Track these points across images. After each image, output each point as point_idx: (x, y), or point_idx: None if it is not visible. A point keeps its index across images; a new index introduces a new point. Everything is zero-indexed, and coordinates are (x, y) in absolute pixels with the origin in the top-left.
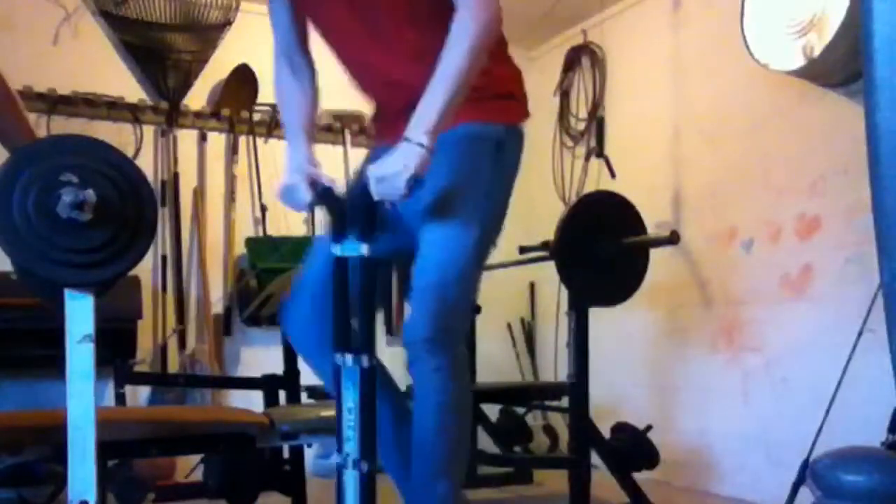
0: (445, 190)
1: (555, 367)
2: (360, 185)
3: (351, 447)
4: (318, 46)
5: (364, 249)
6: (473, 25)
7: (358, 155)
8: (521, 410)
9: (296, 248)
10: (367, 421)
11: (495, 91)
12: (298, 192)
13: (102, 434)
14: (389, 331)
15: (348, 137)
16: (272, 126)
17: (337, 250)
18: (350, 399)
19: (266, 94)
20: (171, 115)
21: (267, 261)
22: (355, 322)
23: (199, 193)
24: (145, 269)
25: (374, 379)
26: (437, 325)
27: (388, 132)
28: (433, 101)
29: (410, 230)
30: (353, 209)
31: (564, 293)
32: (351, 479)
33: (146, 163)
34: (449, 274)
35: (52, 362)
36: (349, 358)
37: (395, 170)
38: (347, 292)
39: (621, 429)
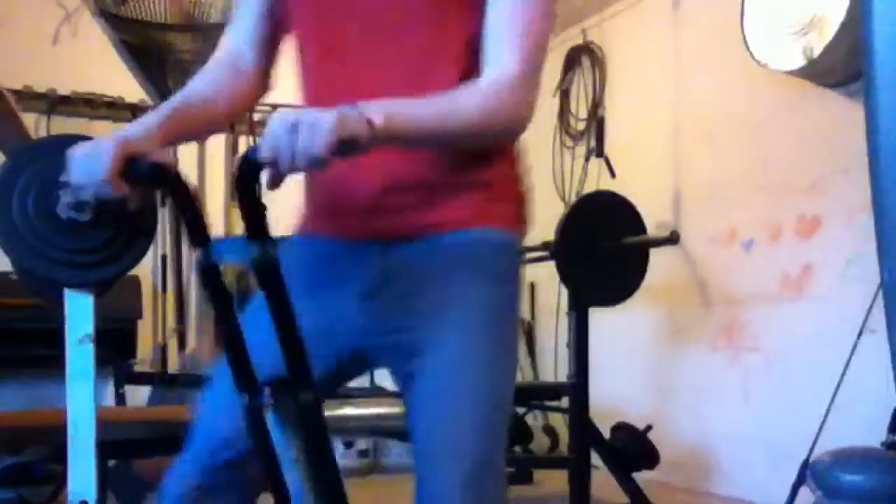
0: (479, 303)
1: (555, 367)
2: (243, 158)
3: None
4: None
5: (255, 250)
6: (504, 91)
7: None
8: (521, 410)
9: None
10: (331, 466)
11: (514, 193)
12: (97, 159)
13: (102, 434)
14: None
15: None
16: None
17: (200, 256)
18: (292, 449)
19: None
20: None
21: None
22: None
23: (199, 193)
24: (145, 269)
25: (321, 415)
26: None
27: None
28: (408, 102)
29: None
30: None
31: (564, 293)
32: None
33: None
34: (491, 422)
35: (52, 362)
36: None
37: (326, 116)
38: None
39: (621, 429)
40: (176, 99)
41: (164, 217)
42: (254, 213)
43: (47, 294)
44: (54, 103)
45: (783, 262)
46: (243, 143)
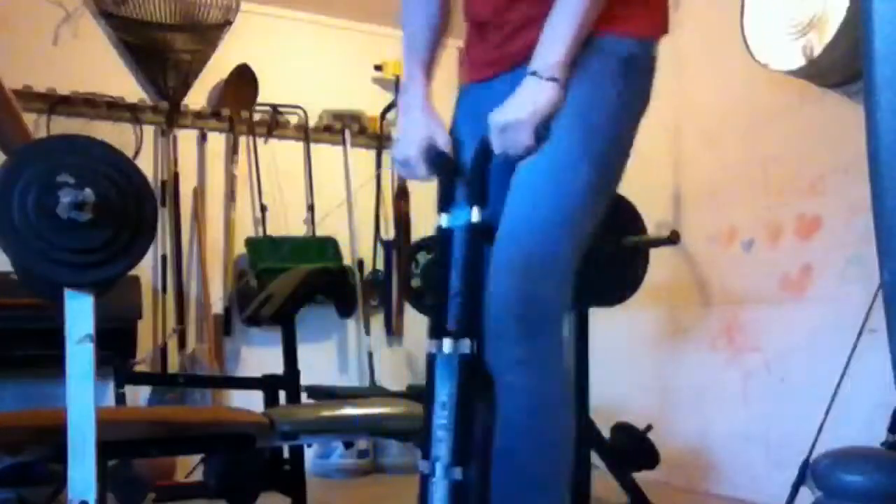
0: (567, 108)
1: None
2: (480, 143)
3: (442, 451)
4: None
5: (474, 214)
6: None
7: (358, 155)
8: None
9: (296, 248)
10: (464, 420)
11: None
12: (414, 168)
13: (102, 434)
14: (389, 330)
15: (348, 137)
16: (272, 126)
17: (443, 221)
18: (444, 392)
19: (266, 94)
20: (171, 115)
21: (267, 261)
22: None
23: (199, 193)
24: (145, 269)
25: (475, 370)
26: (526, 295)
27: (491, 59)
28: (561, 23)
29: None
30: (471, 173)
31: None
32: (441, 489)
33: (146, 163)
34: (546, 221)
35: (52, 362)
36: (446, 343)
37: (521, 115)
38: (448, 268)
39: (621, 429)
40: (413, 21)
41: (164, 217)
42: (483, 188)
43: (47, 294)
44: (54, 103)
45: (783, 262)
46: (243, 143)
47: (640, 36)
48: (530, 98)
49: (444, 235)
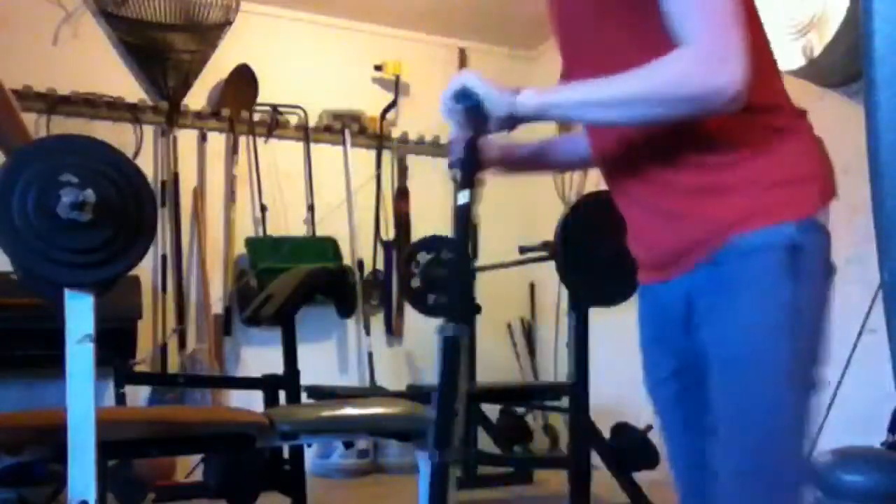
0: (726, 341)
1: (555, 367)
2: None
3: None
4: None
5: (465, 196)
6: (684, 60)
7: (358, 155)
8: (521, 410)
9: (296, 248)
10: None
11: (772, 177)
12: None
13: (102, 434)
14: (389, 330)
15: (348, 137)
16: (272, 126)
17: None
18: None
19: (266, 94)
20: (171, 115)
21: (267, 261)
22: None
23: (199, 193)
24: (145, 269)
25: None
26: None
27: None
28: (570, 87)
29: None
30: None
31: (564, 293)
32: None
33: (146, 163)
34: (765, 462)
35: (52, 362)
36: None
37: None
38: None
39: (621, 429)
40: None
41: (164, 217)
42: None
43: (47, 294)
44: (54, 103)
45: None
46: (243, 143)
47: (800, 218)
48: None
49: (459, 210)
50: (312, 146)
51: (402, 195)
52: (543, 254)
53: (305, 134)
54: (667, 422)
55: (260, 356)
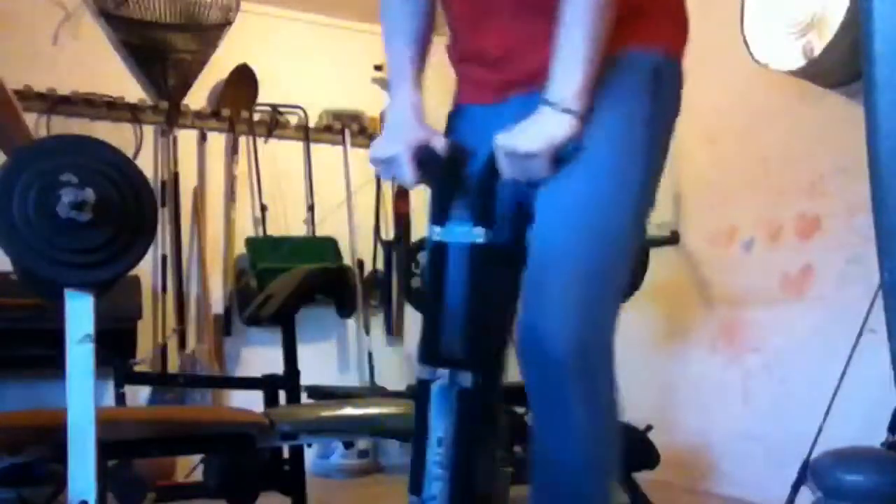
0: (586, 132)
1: None
2: (486, 161)
3: (437, 491)
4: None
5: (479, 235)
6: None
7: (358, 155)
8: (521, 410)
9: (296, 248)
10: (465, 462)
11: (648, 7)
12: (401, 167)
13: (102, 434)
14: (389, 330)
15: (348, 137)
16: (272, 126)
17: (437, 234)
18: (440, 428)
19: (266, 93)
20: (171, 115)
21: (267, 261)
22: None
23: (199, 193)
24: (145, 269)
25: (477, 406)
26: (586, 332)
27: (497, 83)
28: (575, 49)
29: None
30: (477, 189)
31: None
32: None
33: (146, 163)
34: (601, 249)
35: (52, 362)
36: (442, 373)
37: (534, 147)
38: (443, 287)
39: (621, 429)
40: (395, 26)
41: (164, 217)
42: (489, 206)
43: (47, 294)
44: (54, 103)
45: (783, 262)
46: (243, 143)
47: (667, 48)
48: (545, 130)
49: (437, 249)
50: (312, 146)
51: (402, 195)
52: None
53: (305, 134)
54: None
55: (260, 356)
